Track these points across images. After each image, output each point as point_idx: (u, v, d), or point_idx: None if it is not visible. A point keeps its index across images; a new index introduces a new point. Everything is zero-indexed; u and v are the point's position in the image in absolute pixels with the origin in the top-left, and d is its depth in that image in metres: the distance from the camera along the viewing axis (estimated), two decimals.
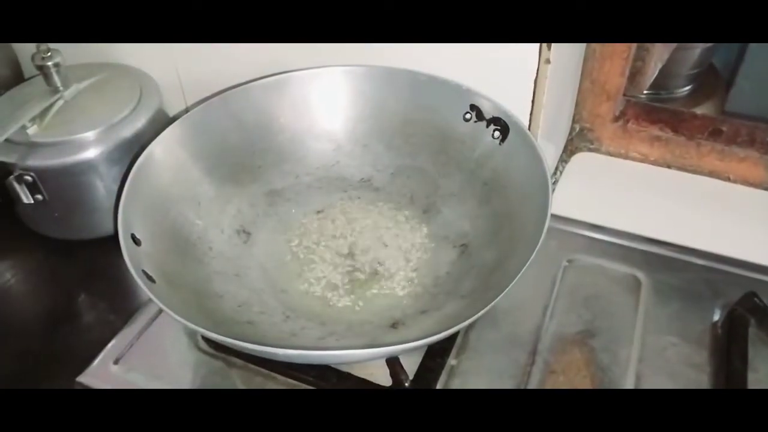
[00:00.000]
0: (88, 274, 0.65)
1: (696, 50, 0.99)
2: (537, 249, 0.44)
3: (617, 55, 0.69)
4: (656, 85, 0.97)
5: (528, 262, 0.44)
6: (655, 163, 0.75)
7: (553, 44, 0.55)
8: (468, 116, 0.58)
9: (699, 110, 1.01)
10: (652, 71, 0.81)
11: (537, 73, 0.58)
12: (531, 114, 0.60)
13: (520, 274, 0.43)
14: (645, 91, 0.97)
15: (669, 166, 0.74)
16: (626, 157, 0.76)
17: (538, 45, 0.56)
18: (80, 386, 0.51)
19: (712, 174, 0.72)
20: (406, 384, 0.48)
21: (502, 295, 0.43)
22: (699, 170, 0.73)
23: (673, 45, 0.86)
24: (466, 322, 0.43)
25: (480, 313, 0.42)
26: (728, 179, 0.72)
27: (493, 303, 0.43)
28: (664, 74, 0.96)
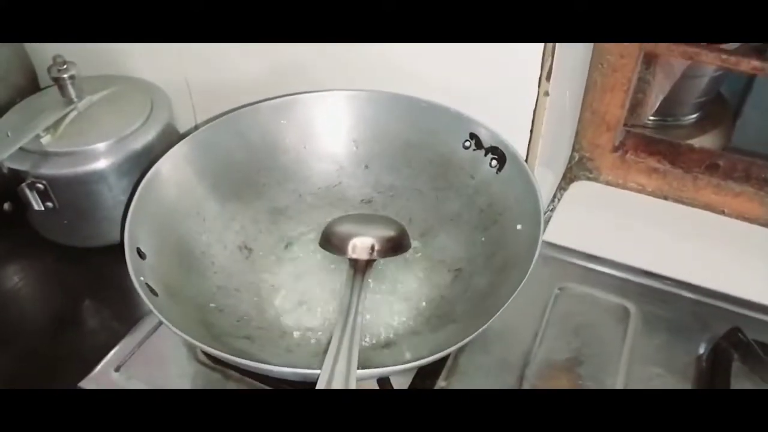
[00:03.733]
0: (94, 281, 0.67)
1: (704, 78, 1.00)
2: (525, 279, 0.46)
3: (618, 88, 0.71)
4: (663, 112, 0.99)
5: (516, 292, 0.45)
6: (652, 194, 0.76)
7: (552, 76, 0.57)
8: (467, 144, 0.60)
9: (706, 138, 1.02)
10: (653, 102, 0.82)
11: (536, 105, 0.59)
12: (529, 143, 0.62)
13: (508, 303, 0.45)
14: (651, 118, 0.99)
15: (666, 198, 0.75)
16: (624, 187, 0.77)
17: (537, 77, 0.57)
18: None
19: (707, 207, 0.73)
20: None
21: (490, 321, 0.44)
22: (695, 203, 0.74)
23: (676, 76, 0.88)
24: (455, 347, 0.44)
25: (468, 339, 0.44)
26: (723, 213, 0.73)
27: (481, 329, 0.44)
28: (671, 101, 0.97)
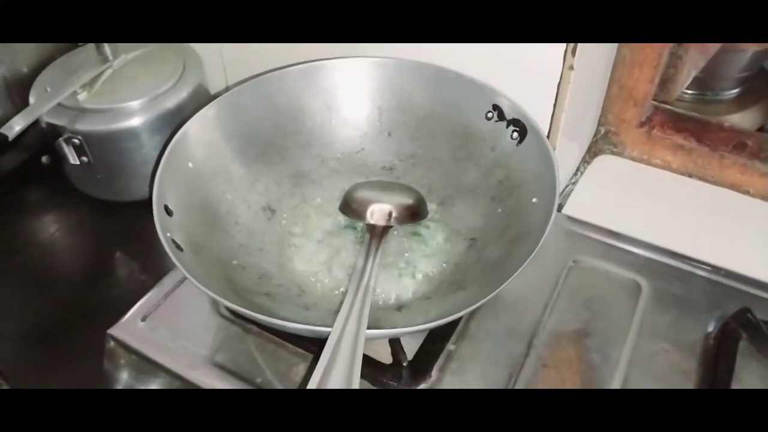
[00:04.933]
0: (125, 234, 0.70)
1: (747, 53, 0.98)
2: (535, 252, 0.47)
3: (647, 63, 0.71)
4: (703, 86, 0.96)
5: (524, 264, 0.46)
6: (676, 171, 0.76)
7: (577, 51, 0.57)
8: (490, 115, 0.60)
9: (746, 114, 1.00)
10: (685, 79, 0.81)
11: (560, 78, 0.60)
12: (552, 117, 0.62)
13: (516, 273, 0.46)
14: (688, 92, 0.97)
15: (690, 176, 0.75)
16: (649, 163, 0.77)
17: (562, 51, 0.58)
18: (111, 338, 0.56)
19: (732, 187, 0.73)
20: (404, 363, 0.52)
21: (497, 291, 0.46)
22: (720, 182, 0.74)
23: (711, 53, 0.86)
24: (463, 312, 0.46)
25: (475, 306, 0.46)
26: (748, 193, 0.73)
27: (488, 297, 0.46)
28: (711, 76, 0.95)
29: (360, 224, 0.61)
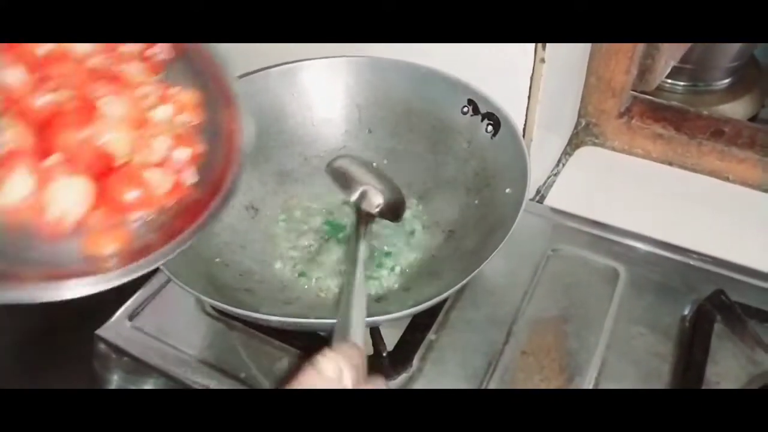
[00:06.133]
0: None
1: (736, 43, 0.99)
2: (506, 239, 0.48)
3: (622, 53, 0.72)
4: (694, 77, 0.97)
5: (495, 252, 0.47)
6: (657, 160, 0.77)
7: (548, 44, 0.58)
8: (465, 110, 0.62)
9: (738, 104, 1.00)
10: (663, 69, 0.82)
11: (533, 71, 0.61)
12: (527, 109, 0.63)
13: (486, 261, 0.47)
14: (681, 83, 0.98)
15: (671, 164, 0.76)
16: (630, 153, 0.78)
17: (533, 45, 0.59)
18: (99, 339, 0.58)
19: (711, 173, 0.74)
20: (384, 354, 0.53)
21: (468, 278, 0.47)
22: (699, 169, 0.75)
23: (688, 44, 0.87)
24: (436, 299, 0.47)
25: (447, 293, 0.47)
26: (727, 179, 0.73)
27: (459, 285, 0.47)
28: (703, 67, 0.96)
29: (344, 222, 0.62)
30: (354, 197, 0.60)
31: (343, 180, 0.62)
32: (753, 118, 0.98)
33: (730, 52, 0.99)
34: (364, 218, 0.58)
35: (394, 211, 0.61)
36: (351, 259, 0.52)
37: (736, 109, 0.98)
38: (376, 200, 0.60)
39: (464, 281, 0.47)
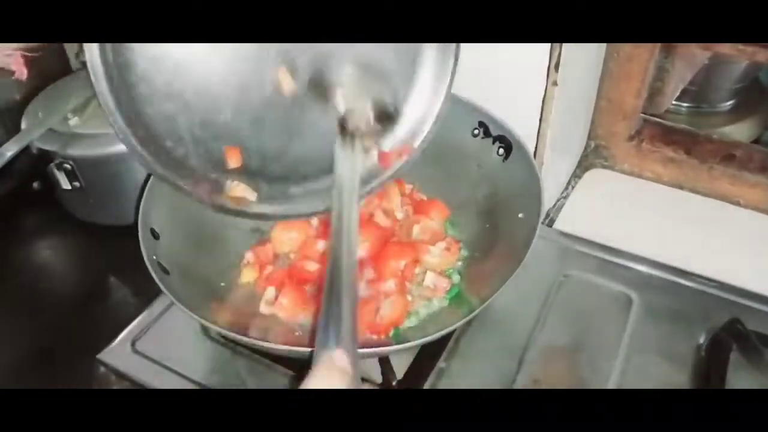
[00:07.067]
0: (117, 258, 0.70)
1: (740, 64, 0.98)
2: (519, 268, 0.47)
3: (633, 77, 0.71)
4: (698, 99, 0.97)
5: (508, 280, 0.46)
6: (667, 183, 0.76)
7: (561, 67, 0.58)
8: (476, 132, 0.61)
9: (742, 125, 1.00)
10: (673, 92, 0.82)
11: (545, 94, 0.60)
12: (539, 132, 0.63)
13: (496, 294, 0.46)
14: (685, 105, 0.98)
15: (681, 188, 0.75)
16: (640, 176, 0.77)
17: (546, 67, 0.58)
18: (100, 363, 0.56)
19: (723, 198, 0.73)
20: (393, 383, 0.51)
21: (477, 311, 0.46)
22: (710, 193, 0.74)
23: (699, 65, 0.86)
24: (447, 330, 0.46)
25: (457, 325, 0.46)
26: (739, 203, 0.73)
27: (471, 315, 0.46)
28: (706, 88, 0.96)
29: None
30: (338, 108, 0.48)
31: (318, 91, 0.49)
32: (756, 140, 0.97)
33: (734, 73, 0.98)
34: (359, 136, 0.45)
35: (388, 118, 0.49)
36: (337, 214, 0.40)
37: (740, 131, 0.97)
38: (365, 114, 0.47)
39: (475, 312, 0.46)
